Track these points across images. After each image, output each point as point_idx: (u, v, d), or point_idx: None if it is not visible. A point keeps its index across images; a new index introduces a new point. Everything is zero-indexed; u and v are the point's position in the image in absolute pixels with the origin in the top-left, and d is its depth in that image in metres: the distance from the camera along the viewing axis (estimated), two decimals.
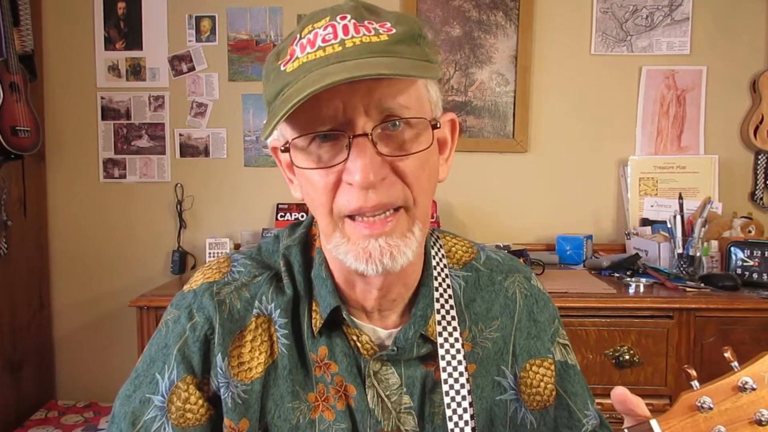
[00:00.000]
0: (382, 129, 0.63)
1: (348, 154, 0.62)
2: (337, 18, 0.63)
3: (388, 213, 0.64)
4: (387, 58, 0.61)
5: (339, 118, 0.62)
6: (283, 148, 0.65)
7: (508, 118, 2.44)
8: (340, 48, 0.61)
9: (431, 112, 0.68)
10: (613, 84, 2.42)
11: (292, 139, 0.64)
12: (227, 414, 0.72)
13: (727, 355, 0.62)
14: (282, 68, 0.63)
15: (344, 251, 0.66)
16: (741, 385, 0.61)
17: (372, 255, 0.64)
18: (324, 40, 0.62)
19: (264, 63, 0.69)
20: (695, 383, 0.62)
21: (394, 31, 0.63)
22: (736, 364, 0.62)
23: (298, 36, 0.64)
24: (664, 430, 0.61)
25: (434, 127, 0.66)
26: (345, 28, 0.62)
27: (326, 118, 0.62)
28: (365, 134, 0.61)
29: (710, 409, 0.61)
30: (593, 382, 1.71)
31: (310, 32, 0.63)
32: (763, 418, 0.60)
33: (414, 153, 0.64)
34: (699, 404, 0.61)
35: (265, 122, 0.65)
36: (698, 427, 0.61)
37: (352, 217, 0.65)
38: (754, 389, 0.61)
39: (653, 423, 0.61)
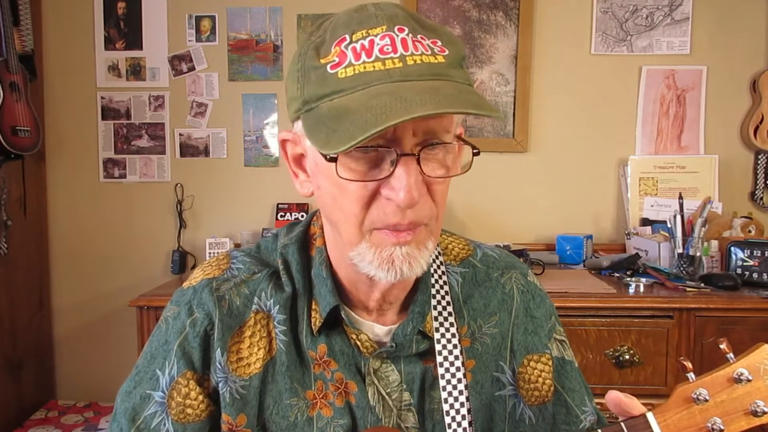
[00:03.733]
0: (425, 149, 0.63)
1: (393, 171, 0.61)
2: (395, 29, 0.61)
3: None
4: (447, 84, 0.61)
5: (388, 135, 0.61)
6: (329, 157, 0.62)
7: (508, 118, 2.44)
8: (401, 64, 0.60)
9: (456, 129, 0.69)
10: (613, 84, 2.42)
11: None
12: (225, 409, 0.72)
13: (723, 346, 0.62)
14: (330, 70, 0.61)
15: (369, 260, 0.65)
16: (736, 376, 0.61)
17: (394, 263, 0.64)
18: (382, 52, 0.61)
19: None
20: (691, 375, 0.62)
21: (447, 52, 0.63)
22: (731, 355, 0.62)
23: (348, 38, 0.62)
24: (660, 422, 0.61)
25: (475, 154, 0.67)
26: (404, 42, 0.61)
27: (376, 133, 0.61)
28: (412, 154, 0.62)
29: (706, 401, 0.61)
30: (593, 381, 1.71)
31: (364, 38, 0.61)
32: (758, 409, 0.60)
33: (452, 176, 0.66)
34: (695, 396, 0.61)
35: (308, 122, 0.63)
36: (694, 419, 0.61)
37: (379, 228, 0.65)
38: (749, 380, 0.61)
39: (649, 416, 0.61)
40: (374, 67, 0.60)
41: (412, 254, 0.65)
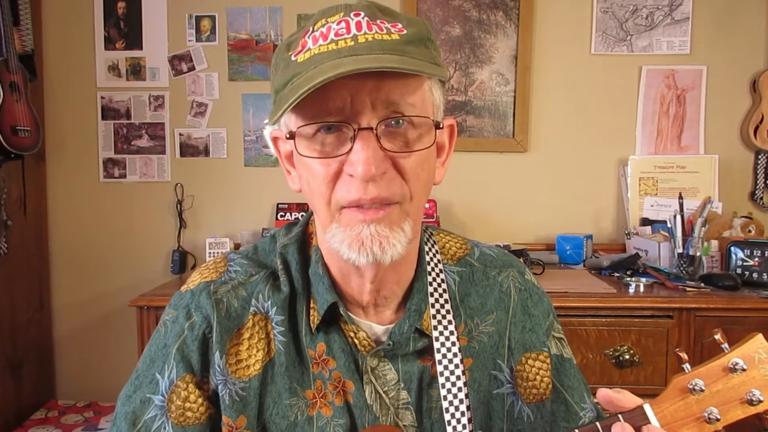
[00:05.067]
0: (386, 125, 0.64)
1: (352, 146, 0.63)
2: (351, 14, 0.65)
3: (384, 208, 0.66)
4: (397, 56, 0.62)
5: (346, 111, 0.63)
6: (288, 135, 0.66)
7: (508, 118, 2.44)
8: (353, 43, 0.62)
9: (434, 115, 0.69)
10: (613, 84, 2.42)
11: (298, 128, 0.65)
12: (225, 411, 0.72)
13: (717, 336, 0.63)
14: (293, 58, 0.65)
15: (339, 240, 0.66)
16: (731, 366, 0.61)
17: (364, 243, 0.65)
18: (337, 34, 0.63)
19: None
20: (686, 366, 0.62)
21: (405, 32, 0.65)
22: (726, 345, 0.62)
23: (311, 29, 0.66)
24: (656, 413, 0.61)
25: (437, 127, 0.68)
26: (358, 25, 0.64)
27: (333, 110, 0.63)
28: (370, 128, 0.63)
29: (702, 391, 0.61)
30: (593, 381, 1.71)
31: (323, 26, 0.65)
32: (754, 398, 0.60)
33: (416, 151, 0.66)
34: (691, 386, 0.61)
35: (272, 110, 0.66)
36: (690, 409, 0.61)
37: (348, 207, 0.66)
38: (744, 370, 0.61)
39: (646, 407, 0.61)
40: (328, 48, 0.63)
41: (383, 233, 0.65)
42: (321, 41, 0.64)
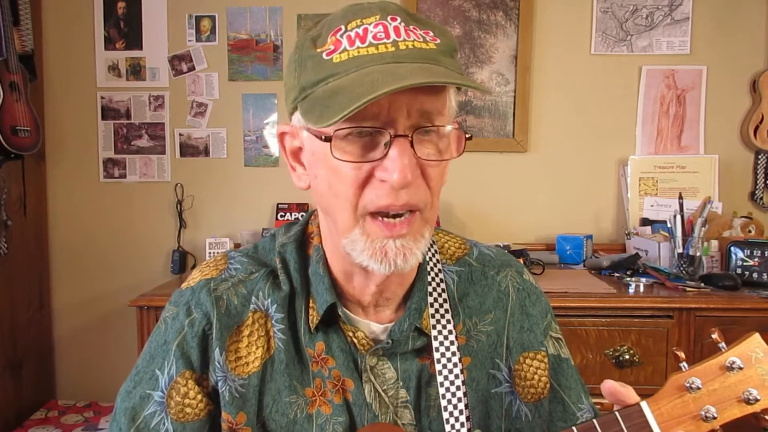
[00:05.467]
0: (419, 133, 0.64)
1: (387, 152, 0.63)
2: (388, 18, 0.64)
3: (407, 214, 0.66)
4: (438, 67, 0.63)
5: (382, 117, 0.62)
6: (323, 137, 0.64)
7: (508, 118, 2.44)
8: (393, 49, 0.62)
9: (452, 122, 0.70)
10: (613, 84, 2.42)
11: (336, 131, 0.63)
12: (225, 408, 0.73)
13: (715, 336, 0.63)
14: (325, 57, 0.64)
15: (361, 248, 0.66)
16: (729, 365, 0.61)
17: (387, 255, 0.65)
18: (375, 38, 0.63)
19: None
20: (684, 365, 0.63)
21: (438, 41, 0.65)
22: (723, 344, 0.62)
23: (343, 28, 0.64)
24: (653, 411, 0.61)
25: (468, 139, 0.69)
26: (396, 30, 0.64)
27: (370, 115, 0.62)
28: (405, 135, 0.63)
29: (699, 389, 0.61)
30: (593, 381, 1.70)
31: (358, 26, 0.64)
32: (751, 397, 0.61)
33: (446, 160, 0.67)
34: (688, 385, 0.61)
35: (304, 106, 0.65)
36: (687, 407, 0.61)
37: (373, 215, 0.66)
38: (741, 369, 0.61)
39: (643, 405, 0.62)
40: (368, 51, 0.62)
41: (407, 246, 0.66)
42: (359, 43, 0.63)
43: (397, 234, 0.65)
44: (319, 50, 0.65)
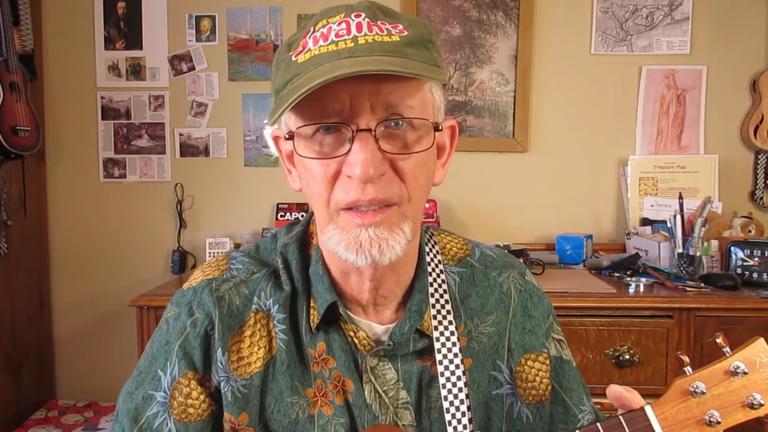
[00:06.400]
0: (385, 126, 0.64)
1: (350, 148, 0.63)
2: (352, 15, 0.65)
3: (381, 208, 0.66)
4: (397, 58, 0.63)
5: (345, 112, 0.63)
6: (287, 135, 0.67)
7: (508, 117, 2.44)
8: (352, 44, 0.63)
9: (434, 116, 0.69)
10: (613, 84, 2.42)
11: (297, 128, 0.66)
12: (227, 408, 0.73)
13: (719, 340, 0.63)
14: (293, 59, 0.65)
15: (336, 241, 0.67)
16: (733, 369, 0.61)
17: (362, 245, 0.65)
18: (337, 35, 0.64)
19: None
20: (688, 369, 0.63)
21: (405, 33, 0.65)
22: (728, 349, 0.62)
23: (312, 29, 0.66)
24: (657, 415, 0.61)
25: (436, 129, 0.68)
26: (359, 26, 0.64)
27: (333, 111, 0.63)
28: (369, 129, 0.63)
29: (703, 393, 0.61)
30: (593, 381, 1.71)
31: (324, 26, 0.65)
32: (755, 402, 0.61)
33: (414, 153, 0.66)
34: (692, 389, 0.61)
35: (271, 110, 0.67)
36: (692, 412, 0.61)
37: (346, 210, 0.66)
38: (746, 373, 0.61)
39: (647, 409, 0.62)
40: (328, 49, 0.63)
41: (382, 236, 0.65)
42: (321, 42, 0.64)
43: (369, 222, 0.65)
44: (290, 53, 0.66)
